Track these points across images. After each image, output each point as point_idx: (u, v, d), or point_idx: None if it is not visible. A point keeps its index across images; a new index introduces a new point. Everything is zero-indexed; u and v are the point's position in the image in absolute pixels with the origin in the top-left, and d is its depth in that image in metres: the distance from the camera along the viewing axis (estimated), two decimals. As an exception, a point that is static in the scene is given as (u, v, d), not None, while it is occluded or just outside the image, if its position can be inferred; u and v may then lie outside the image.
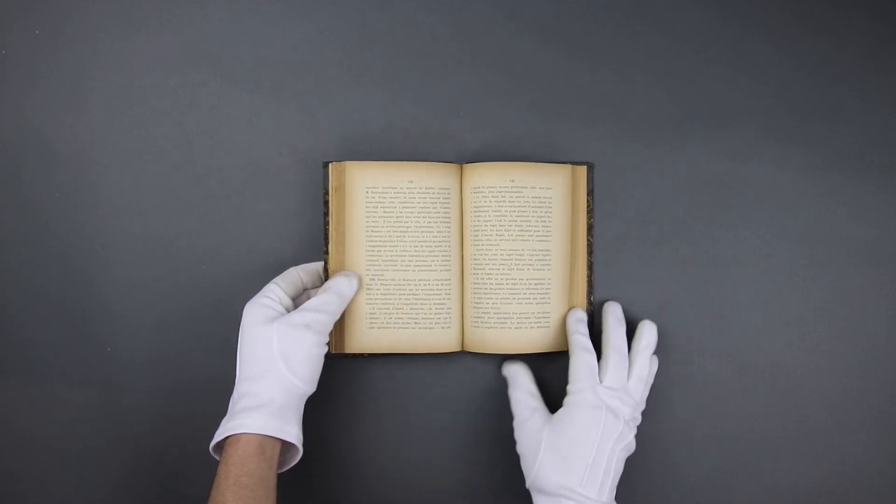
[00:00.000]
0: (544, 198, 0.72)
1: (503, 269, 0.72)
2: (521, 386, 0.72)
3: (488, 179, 0.72)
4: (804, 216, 0.76)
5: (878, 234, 0.76)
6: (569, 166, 0.73)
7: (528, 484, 0.69)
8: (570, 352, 0.70)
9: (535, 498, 0.68)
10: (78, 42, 0.76)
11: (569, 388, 0.69)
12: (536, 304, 0.72)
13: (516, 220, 0.72)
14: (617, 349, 0.69)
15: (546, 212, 0.72)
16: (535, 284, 0.72)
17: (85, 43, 0.76)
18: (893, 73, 0.77)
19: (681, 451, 0.76)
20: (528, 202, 0.72)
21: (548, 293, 0.72)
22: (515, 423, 0.71)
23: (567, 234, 0.73)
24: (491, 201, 0.72)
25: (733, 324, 0.76)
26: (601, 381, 0.68)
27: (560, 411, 0.69)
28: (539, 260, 0.72)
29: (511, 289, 0.72)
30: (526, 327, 0.72)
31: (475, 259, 0.72)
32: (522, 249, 0.72)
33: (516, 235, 0.72)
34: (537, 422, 0.69)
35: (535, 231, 0.72)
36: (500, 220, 0.72)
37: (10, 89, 0.76)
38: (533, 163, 0.73)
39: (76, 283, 0.76)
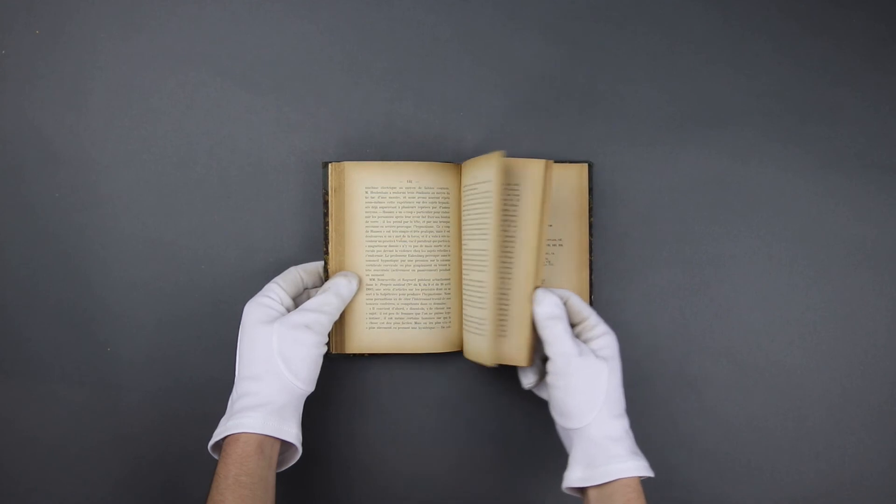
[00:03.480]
0: (513, 196, 0.69)
1: (467, 272, 0.70)
2: (565, 321, 0.65)
3: (466, 177, 0.70)
4: (804, 216, 0.76)
5: (878, 234, 0.76)
6: (578, 166, 0.73)
7: (578, 423, 0.64)
8: (564, 298, 0.67)
9: (592, 434, 0.63)
10: (78, 42, 0.76)
11: (586, 325, 0.67)
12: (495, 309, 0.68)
13: (476, 219, 0.69)
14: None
15: (510, 211, 0.67)
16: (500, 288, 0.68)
17: (85, 43, 0.76)
18: (893, 73, 0.77)
19: (681, 451, 0.76)
20: (488, 201, 0.68)
21: (503, 298, 0.68)
22: (563, 360, 0.64)
23: (531, 236, 0.66)
24: (468, 199, 0.70)
25: (733, 324, 0.76)
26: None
27: (598, 343, 0.66)
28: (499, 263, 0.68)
29: (469, 292, 0.70)
30: (481, 333, 0.69)
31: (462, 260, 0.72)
32: (478, 253, 0.69)
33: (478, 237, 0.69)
34: (591, 355, 0.64)
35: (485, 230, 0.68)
36: (470, 220, 0.70)
37: (10, 89, 0.76)
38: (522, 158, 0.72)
39: (76, 283, 0.76)
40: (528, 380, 0.69)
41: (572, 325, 0.68)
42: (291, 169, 0.76)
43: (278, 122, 0.76)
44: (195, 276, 0.76)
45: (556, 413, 0.66)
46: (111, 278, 0.76)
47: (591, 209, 0.74)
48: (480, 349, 0.68)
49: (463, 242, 0.71)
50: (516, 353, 0.67)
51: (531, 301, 0.66)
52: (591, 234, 0.74)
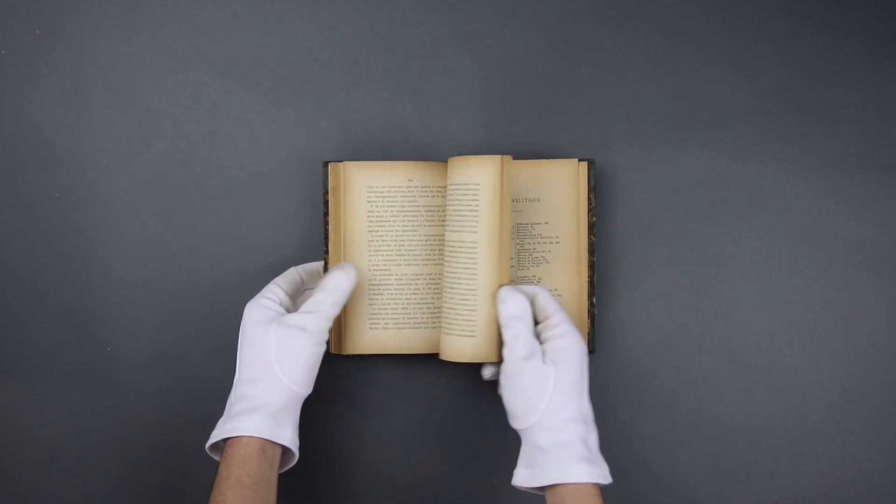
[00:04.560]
0: (472, 195, 0.68)
1: (447, 270, 0.69)
2: (527, 321, 0.65)
3: (453, 176, 0.69)
4: (804, 216, 0.76)
5: (878, 234, 0.76)
6: (574, 161, 0.73)
7: (523, 425, 0.65)
8: (531, 295, 0.67)
9: (536, 437, 0.63)
10: (78, 42, 0.76)
11: (548, 323, 0.66)
12: (461, 308, 0.68)
13: (449, 218, 0.68)
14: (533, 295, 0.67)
15: (471, 209, 0.67)
16: (459, 287, 0.68)
17: (85, 43, 0.76)
18: (893, 73, 0.77)
19: (681, 451, 0.76)
20: (457, 199, 0.68)
21: (471, 297, 0.68)
22: (511, 360, 0.64)
23: (494, 234, 0.66)
24: (451, 198, 0.69)
25: (733, 324, 0.76)
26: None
27: (553, 345, 0.65)
28: (464, 260, 0.68)
29: (449, 291, 0.69)
30: (453, 333, 0.68)
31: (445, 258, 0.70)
32: (451, 248, 0.68)
33: (449, 233, 0.69)
34: (538, 358, 0.64)
35: (461, 228, 0.68)
36: (448, 218, 0.69)
37: (10, 89, 0.76)
38: (531, 160, 0.73)
39: (76, 283, 0.76)
40: (487, 371, 0.69)
41: (537, 323, 0.67)
42: (291, 169, 0.76)
43: (278, 122, 0.76)
44: (195, 276, 0.76)
45: (507, 412, 0.66)
46: (111, 278, 0.76)
47: (592, 208, 0.73)
48: (453, 348, 0.68)
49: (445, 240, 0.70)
50: (485, 350, 0.67)
51: (495, 299, 0.66)
52: (592, 234, 0.74)
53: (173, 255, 0.76)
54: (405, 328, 0.72)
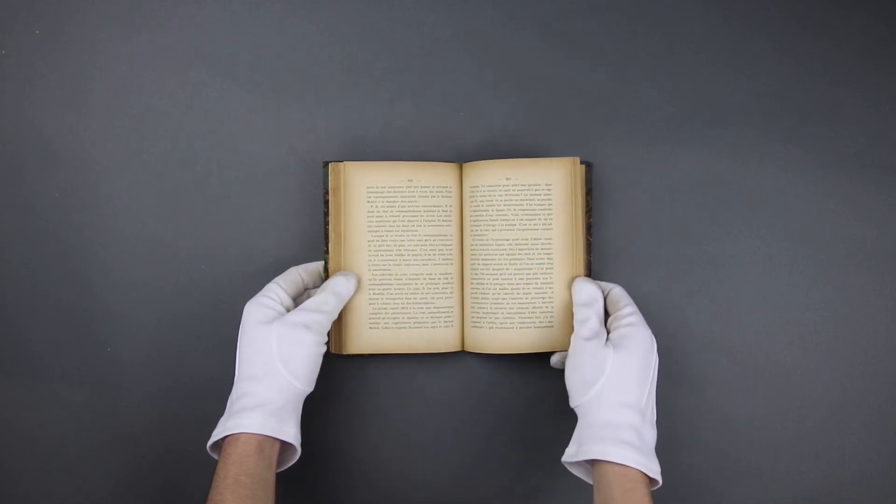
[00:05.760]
0: (544, 194, 0.72)
1: (502, 267, 0.72)
2: (597, 310, 0.69)
3: (486, 178, 0.72)
4: (804, 216, 0.76)
5: (878, 234, 0.76)
6: (567, 160, 0.73)
7: (577, 401, 0.66)
8: (604, 287, 0.71)
9: (588, 415, 0.65)
10: (78, 42, 0.76)
11: (619, 314, 0.69)
12: (538, 301, 0.72)
13: (513, 217, 0.72)
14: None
15: (544, 207, 0.72)
16: (536, 281, 0.72)
17: (85, 43, 0.76)
18: (893, 73, 0.77)
19: (681, 451, 0.76)
20: (527, 198, 0.72)
21: (547, 289, 0.72)
22: (574, 340, 0.68)
23: (568, 230, 0.72)
24: (490, 199, 0.72)
25: (733, 324, 0.76)
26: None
27: (619, 332, 0.67)
28: (539, 256, 0.72)
29: (509, 287, 0.72)
30: (526, 326, 0.72)
31: (473, 257, 0.72)
32: (521, 246, 0.72)
33: (517, 231, 0.72)
34: (600, 341, 0.67)
35: (534, 226, 0.72)
36: (498, 217, 0.72)
37: (10, 89, 0.76)
38: (529, 158, 0.73)
39: (76, 283, 0.76)
40: (554, 358, 0.72)
41: (609, 314, 0.70)
42: (291, 169, 0.76)
43: (278, 122, 0.76)
44: (195, 276, 0.76)
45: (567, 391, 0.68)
46: (111, 278, 0.76)
47: (590, 209, 0.74)
48: (532, 339, 0.72)
49: (489, 241, 0.72)
50: (560, 338, 0.72)
51: (570, 289, 0.71)
52: (590, 234, 0.74)
53: (173, 255, 0.76)
54: (405, 328, 0.72)
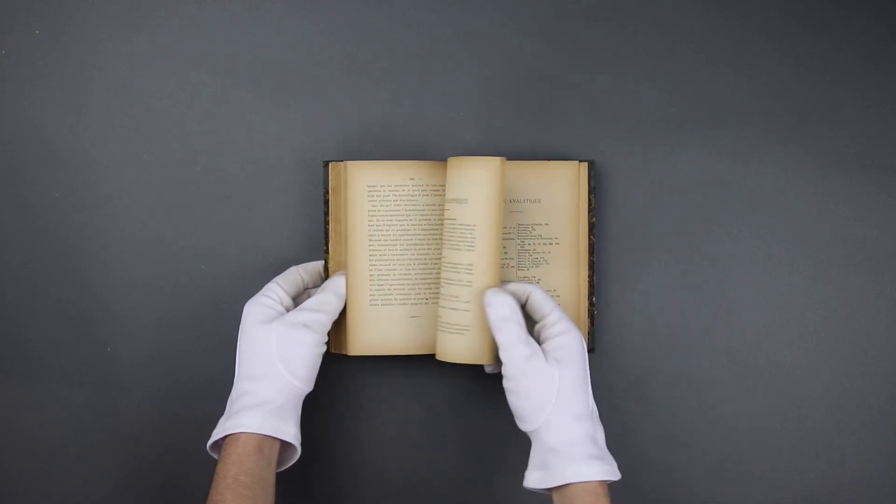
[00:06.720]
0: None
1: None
2: (518, 321, 0.64)
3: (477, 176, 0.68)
4: (804, 216, 0.76)
5: (878, 234, 0.76)
6: (574, 163, 0.73)
7: (531, 426, 0.64)
8: (524, 294, 0.66)
9: (546, 438, 0.63)
10: (78, 42, 0.76)
11: (545, 322, 0.65)
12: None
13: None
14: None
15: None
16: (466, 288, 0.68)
17: (85, 43, 0.76)
18: (893, 73, 0.77)
19: (681, 451, 0.76)
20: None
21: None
22: (513, 363, 0.63)
23: (492, 248, 0.67)
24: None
25: (733, 323, 0.76)
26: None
27: (554, 343, 0.64)
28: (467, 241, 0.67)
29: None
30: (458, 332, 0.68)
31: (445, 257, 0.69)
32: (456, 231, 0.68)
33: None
34: (540, 358, 0.63)
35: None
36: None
37: (10, 89, 0.76)
38: (532, 161, 0.73)
39: (76, 283, 0.76)
40: (488, 367, 0.69)
41: (534, 323, 0.67)
42: (291, 169, 0.76)
43: (278, 122, 0.76)
44: (195, 276, 0.76)
45: (513, 414, 0.65)
46: (111, 278, 0.76)
47: (592, 208, 0.74)
48: (449, 348, 0.68)
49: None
50: (479, 351, 0.67)
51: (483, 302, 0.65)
52: (592, 234, 0.74)
53: (173, 255, 0.76)
54: (406, 328, 0.72)
